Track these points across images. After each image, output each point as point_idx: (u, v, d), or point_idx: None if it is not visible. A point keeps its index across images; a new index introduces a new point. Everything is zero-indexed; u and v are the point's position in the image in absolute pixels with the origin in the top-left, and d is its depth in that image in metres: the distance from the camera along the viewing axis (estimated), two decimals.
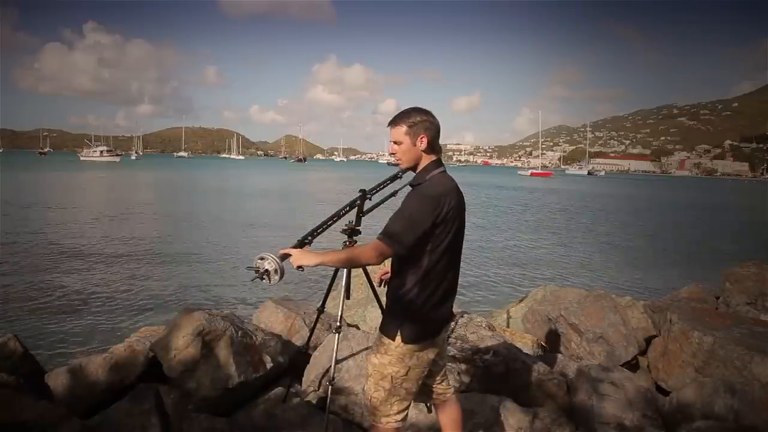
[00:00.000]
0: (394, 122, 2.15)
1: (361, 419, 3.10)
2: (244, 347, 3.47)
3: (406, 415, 2.26)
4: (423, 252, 2.07)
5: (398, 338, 2.13)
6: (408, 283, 2.11)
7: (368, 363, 2.26)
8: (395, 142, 2.15)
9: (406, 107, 2.20)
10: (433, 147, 2.15)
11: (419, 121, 2.11)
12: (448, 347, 3.62)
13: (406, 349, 2.14)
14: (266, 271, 2.04)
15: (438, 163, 2.17)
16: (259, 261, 2.06)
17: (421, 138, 2.11)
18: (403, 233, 1.99)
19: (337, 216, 2.51)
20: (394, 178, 2.72)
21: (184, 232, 15.21)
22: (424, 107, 2.18)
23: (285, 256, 2.09)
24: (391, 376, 2.16)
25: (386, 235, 2.00)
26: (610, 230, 19.97)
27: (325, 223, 2.45)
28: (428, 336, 2.18)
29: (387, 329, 2.18)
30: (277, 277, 2.03)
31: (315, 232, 2.36)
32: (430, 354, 2.21)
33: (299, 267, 2.03)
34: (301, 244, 2.25)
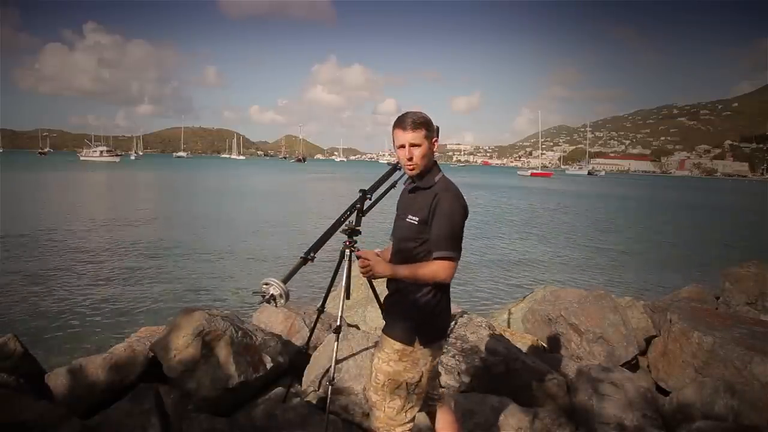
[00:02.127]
0: (415, 125, 2.10)
1: (361, 419, 3.10)
2: (244, 347, 3.47)
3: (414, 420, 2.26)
4: None
5: (417, 343, 2.11)
6: (426, 287, 2.09)
7: (378, 372, 2.18)
8: (414, 145, 2.10)
9: (407, 110, 2.19)
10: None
11: (435, 127, 2.17)
12: (448, 347, 3.63)
13: (421, 354, 2.13)
14: (272, 296, 2.13)
15: (438, 166, 2.23)
16: (264, 286, 2.15)
17: (435, 141, 2.17)
18: (456, 242, 2.05)
19: (338, 223, 2.51)
20: (392, 171, 2.71)
21: (184, 233, 15.20)
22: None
23: (292, 274, 2.17)
24: (407, 383, 2.15)
25: (445, 248, 2.02)
26: (610, 230, 19.97)
27: (327, 233, 2.44)
28: (441, 337, 2.22)
29: (404, 335, 2.13)
30: (282, 301, 2.13)
31: (318, 246, 2.35)
32: (438, 356, 2.24)
33: (372, 276, 2.10)
34: (304, 260, 2.27)
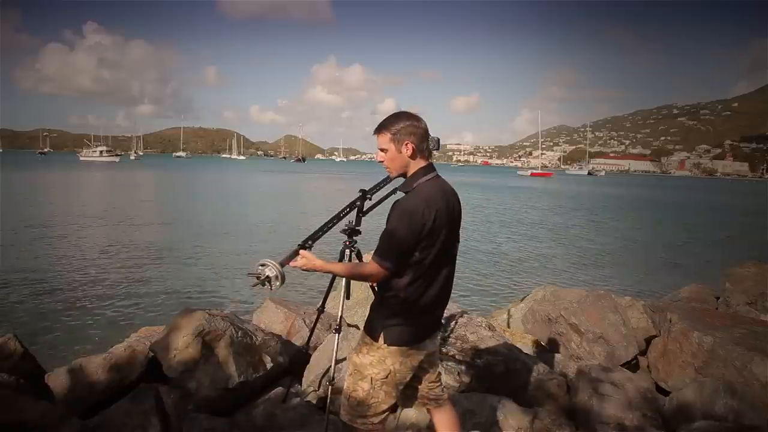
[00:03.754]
0: (378, 130, 2.11)
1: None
2: (244, 347, 3.47)
3: (385, 418, 2.20)
4: (410, 261, 2.03)
5: (381, 339, 2.10)
6: (395, 286, 2.06)
7: (349, 361, 2.24)
8: (382, 150, 2.12)
9: (406, 110, 2.16)
10: (421, 152, 2.09)
11: (403, 126, 2.06)
12: (449, 347, 3.63)
13: (388, 352, 2.10)
14: (267, 277, 2.04)
15: (428, 169, 2.11)
16: (260, 267, 2.06)
17: (406, 144, 2.06)
18: (389, 252, 2.00)
19: (337, 218, 2.50)
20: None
21: (184, 233, 15.21)
22: (411, 111, 2.12)
23: (289, 260, 2.10)
24: (371, 378, 2.13)
25: (377, 254, 2.02)
26: (610, 231, 19.98)
27: (325, 225, 2.43)
28: (413, 341, 2.13)
29: (371, 329, 2.15)
30: (278, 284, 2.05)
31: (316, 236, 2.34)
32: (414, 360, 2.16)
33: (305, 269, 2.09)
34: (302, 247, 2.20)
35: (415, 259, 2.03)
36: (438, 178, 2.12)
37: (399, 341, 2.10)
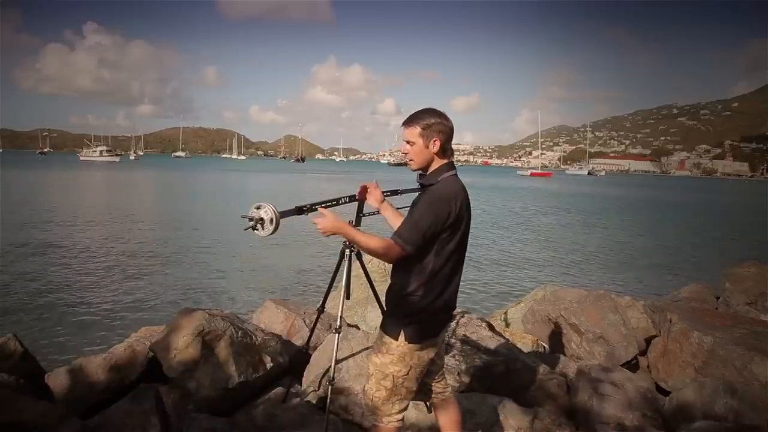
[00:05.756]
0: (409, 122, 2.14)
1: (361, 419, 3.10)
2: (244, 347, 3.47)
3: (405, 413, 2.29)
4: (430, 253, 2.08)
5: (401, 338, 2.15)
6: (413, 283, 2.11)
7: (369, 363, 2.28)
8: (408, 142, 2.15)
9: (407, 110, 2.20)
10: (445, 150, 2.15)
11: (433, 123, 2.11)
12: (449, 347, 3.63)
13: (407, 349, 2.15)
14: (261, 219, 1.96)
15: (450, 165, 2.18)
16: (254, 210, 1.98)
17: (435, 141, 2.11)
18: (413, 235, 2.02)
19: (336, 201, 2.51)
20: (394, 193, 2.79)
21: (184, 233, 15.20)
22: (438, 109, 2.16)
23: (287, 214, 2.08)
24: (393, 376, 2.18)
25: (398, 234, 2.03)
26: (610, 231, 19.97)
27: (324, 201, 2.45)
28: (430, 336, 2.20)
29: (390, 329, 2.19)
30: (270, 228, 1.96)
31: (313, 207, 2.34)
32: (430, 354, 2.23)
33: (325, 233, 2.08)
34: (300, 209, 2.22)
35: (436, 251, 2.08)
36: (457, 177, 2.19)
37: (418, 338, 2.16)
